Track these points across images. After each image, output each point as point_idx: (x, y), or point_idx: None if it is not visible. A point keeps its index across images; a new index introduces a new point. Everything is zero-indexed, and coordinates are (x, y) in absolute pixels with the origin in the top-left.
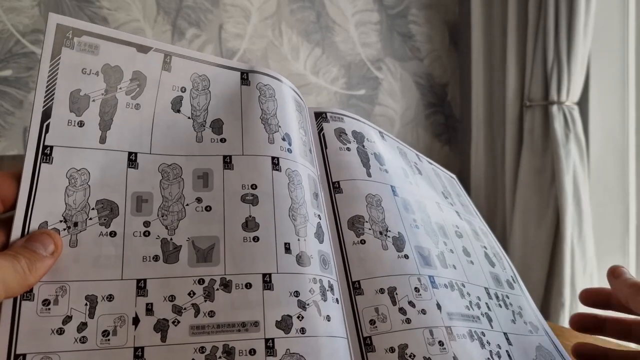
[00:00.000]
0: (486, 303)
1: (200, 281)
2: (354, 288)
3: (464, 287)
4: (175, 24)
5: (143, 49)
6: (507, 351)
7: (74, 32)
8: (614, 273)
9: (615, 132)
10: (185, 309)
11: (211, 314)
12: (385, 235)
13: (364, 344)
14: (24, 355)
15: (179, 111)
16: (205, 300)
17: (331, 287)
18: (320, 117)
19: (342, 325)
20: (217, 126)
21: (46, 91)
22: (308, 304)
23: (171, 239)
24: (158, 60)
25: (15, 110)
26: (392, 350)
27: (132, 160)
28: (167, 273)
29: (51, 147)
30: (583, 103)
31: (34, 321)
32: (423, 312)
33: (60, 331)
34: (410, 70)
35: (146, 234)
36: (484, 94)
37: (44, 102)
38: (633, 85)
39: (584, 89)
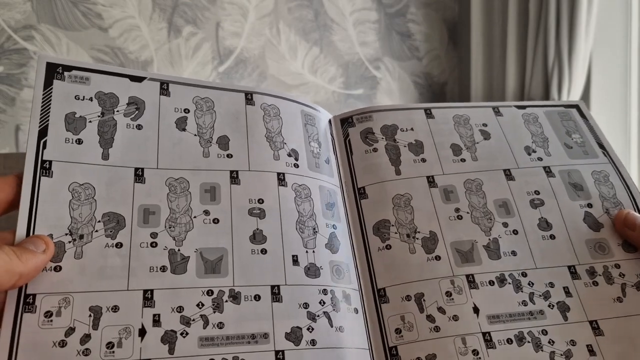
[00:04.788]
0: (565, 288)
1: (209, 292)
2: (379, 296)
3: (525, 276)
4: (172, 21)
5: (136, 79)
6: (588, 345)
7: (64, 68)
8: (627, 223)
9: (617, 132)
10: (194, 320)
11: (220, 325)
12: (414, 237)
13: (390, 355)
14: None
15: (184, 129)
16: (214, 312)
17: (347, 297)
18: (345, 123)
19: (362, 336)
20: (223, 142)
21: (41, 114)
22: (318, 316)
23: (179, 250)
24: (154, 87)
25: (7, 107)
26: None
27: (139, 175)
28: (175, 284)
29: (50, 162)
30: (584, 102)
31: (35, 334)
32: (455, 318)
33: (63, 344)
34: (408, 69)
35: (153, 244)
36: (483, 93)
37: (40, 123)
38: (635, 85)
39: (585, 88)
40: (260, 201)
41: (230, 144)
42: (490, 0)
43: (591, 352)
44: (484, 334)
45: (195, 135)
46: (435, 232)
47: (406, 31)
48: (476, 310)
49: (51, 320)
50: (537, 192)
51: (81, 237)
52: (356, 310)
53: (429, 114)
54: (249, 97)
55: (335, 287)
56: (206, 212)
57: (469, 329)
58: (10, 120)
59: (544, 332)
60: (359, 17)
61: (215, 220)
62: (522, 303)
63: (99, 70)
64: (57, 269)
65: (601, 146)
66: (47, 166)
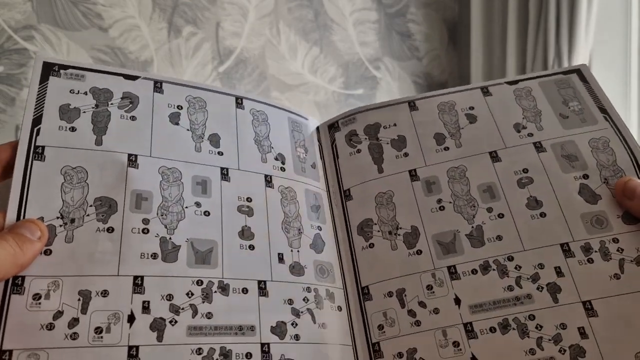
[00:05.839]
0: (556, 268)
1: (199, 282)
2: (363, 294)
3: (511, 260)
4: (172, 21)
5: (130, 77)
6: (580, 328)
7: (60, 66)
8: (626, 191)
9: None
10: (183, 308)
11: (209, 315)
12: (395, 234)
13: (373, 350)
14: (10, 352)
15: (177, 124)
16: (204, 302)
17: (330, 295)
18: (332, 128)
19: (345, 333)
20: (214, 140)
21: (35, 104)
22: (302, 312)
23: (170, 238)
24: (148, 85)
25: (7, 107)
26: (400, 355)
27: (133, 160)
28: (166, 271)
29: (43, 147)
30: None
31: (23, 315)
32: (435, 311)
33: (50, 327)
34: (408, 69)
35: (145, 231)
36: None
37: (34, 113)
38: (635, 85)
39: None
40: (249, 199)
41: (220, 142)
42: (490, 0)
43: (583, 334)
44: (465, 324)
45: (187, 130)
46: (416, 226)
47: (406, 31)
48: (457, 301)
49: (39, 303)
50: (525, 170)
51: (72, 220)
52: (340, 308)
53: (412, 106)
54: (239, 102)
55: (319, 286)
56: (197, 204)
57: (450, 321)
58: (10, 120)
59: (531, 317)
60: (359, 17)
61: (206, 213)
62: (508, 288)
63: (94, 69)
64: (47, 252)
65: (603, 110)
66: (40, 151)
